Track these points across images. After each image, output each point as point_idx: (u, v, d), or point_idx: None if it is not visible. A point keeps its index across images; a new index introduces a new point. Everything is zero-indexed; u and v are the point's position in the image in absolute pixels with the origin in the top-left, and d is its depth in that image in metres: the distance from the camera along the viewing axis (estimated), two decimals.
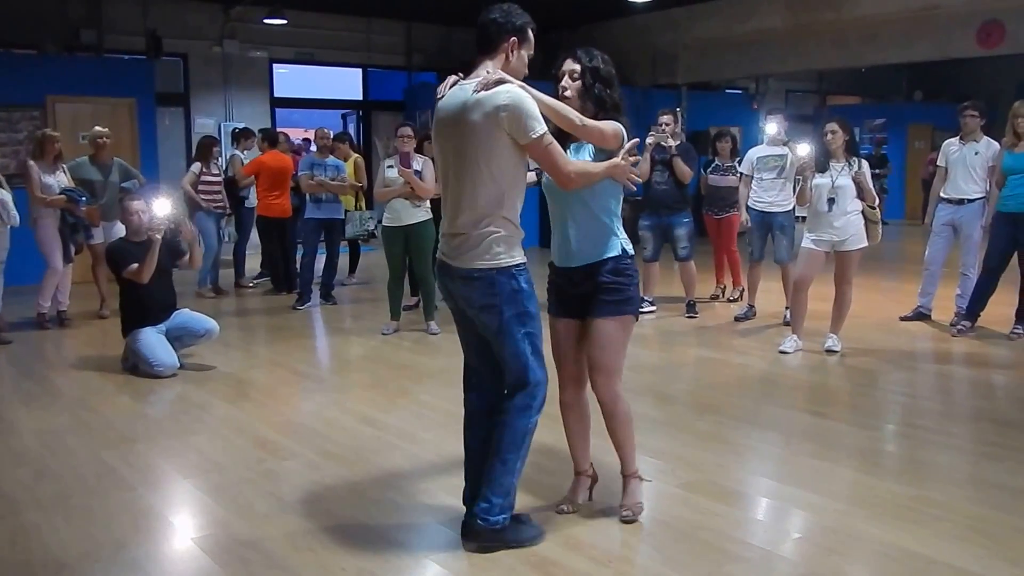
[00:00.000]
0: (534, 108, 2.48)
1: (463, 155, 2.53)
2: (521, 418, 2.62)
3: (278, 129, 9.41)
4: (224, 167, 8.29)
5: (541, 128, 2.48)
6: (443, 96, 2.62)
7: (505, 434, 2.62)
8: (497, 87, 2.47)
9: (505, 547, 2.65)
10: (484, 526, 2.63)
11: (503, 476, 2.62)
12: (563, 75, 2.75)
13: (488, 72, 2.51)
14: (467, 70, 2.64)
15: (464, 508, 2.76)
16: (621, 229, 2.80)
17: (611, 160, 2.66)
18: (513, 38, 2.59)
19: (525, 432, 2.64)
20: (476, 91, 2.47)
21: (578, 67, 2.72)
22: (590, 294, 2.77)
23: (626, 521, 2.85)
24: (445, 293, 2.74)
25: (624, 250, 2.77)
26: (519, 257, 2.60)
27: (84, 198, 6.28)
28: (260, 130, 8.49)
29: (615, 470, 3.15)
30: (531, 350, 2.61)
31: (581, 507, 2.96)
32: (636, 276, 2.83)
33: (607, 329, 2.76)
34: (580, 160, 2.70)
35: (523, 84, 2.55)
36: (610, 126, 2.68)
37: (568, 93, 2.72)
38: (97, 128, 6.78)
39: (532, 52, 2.65)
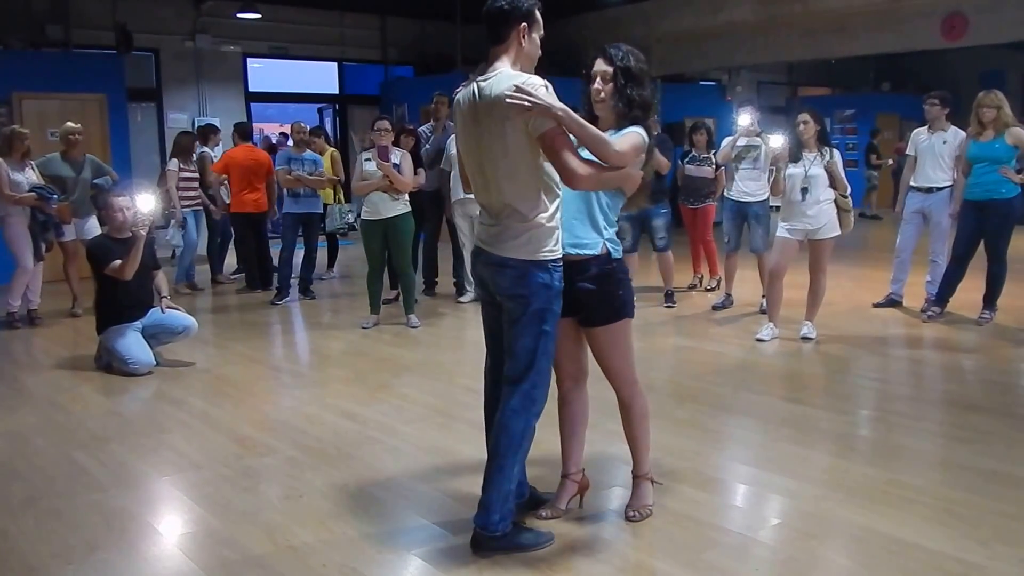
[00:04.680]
0: (550, 102, 2.41)
1: (496, 156, 2.48)
2: (518, 420, 2.56)
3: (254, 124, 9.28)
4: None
5: (552, 123, 2.40)
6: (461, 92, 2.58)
7: (502, 437, 2.56)
8: (515, 79, 2.43)
9: (507, 553, 2.57)
10: (484, 534, 2.57)
11: (501, 482, 2.55)
12: (595, 77, 2.67)
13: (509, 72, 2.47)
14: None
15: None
16: (613, 223, 2.71)
17: (626, 170, 2.57)
18: (523, 24, 2.51)
19: (523, 436, 2.58)
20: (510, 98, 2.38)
21: (610, 68, 2.64)
22: (575, 300, 2.66)
23: (631, 520, 2.80)
24: (477, 280, 2.71)
25: (609, 251, 2.67)
26: (557, 252, 2.54)
27: (55, 195, 6.17)
28: (235, 125, 8.39)
29: (607, 471, 3.17)
30: (542, 350, 2.55)
31: (567, 513, 2.85)
32: (626, 277, 2.73)
33: (604, 337, 2.72)
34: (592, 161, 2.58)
35: (567, 108, 2.44)
36: (631, 142, 2.57)
37: (602, 96, 2.66)
38: (69, 124, 6.66)
39: (543, 33, 2.59)
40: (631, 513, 2.83)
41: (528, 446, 2.64)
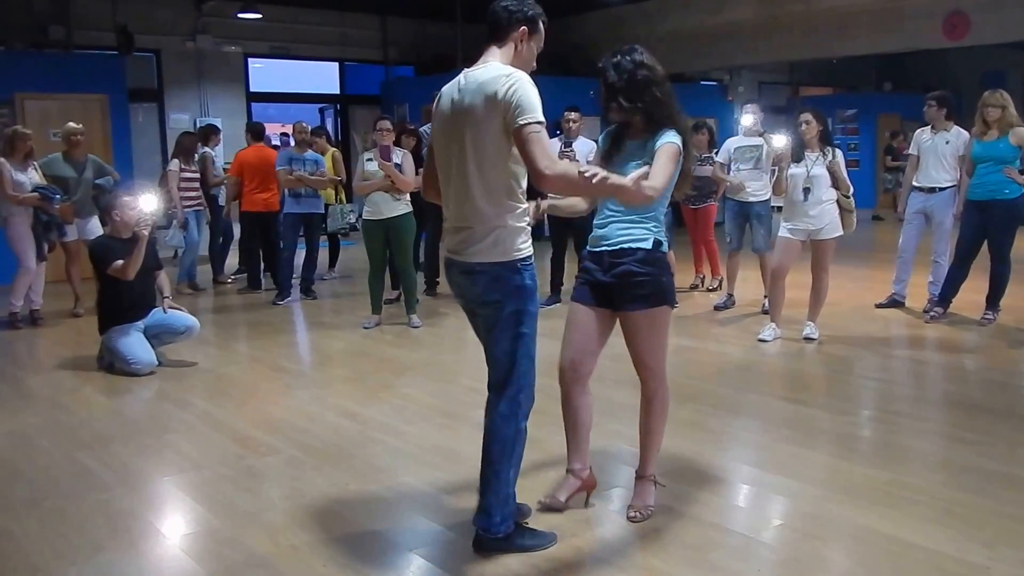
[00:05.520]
0: (533, 98, 2.36)
1: (467, 146, 2.44)
2: (508, 426, 2.55)
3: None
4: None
5: (531, 118, 2.33)
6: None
7: (493, 444, 2.55)
8: (499, 72, 2.41)
9: (510, 553, 2.57)
10: (486, 536, 2.58)
11: (498, 486, 2.55)
12: (603, 99, 2.73)
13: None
14: (471, 62, 2.57)
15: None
16: (660, 224, 2.74)
17: (619, 180, 2.44)
18: (524, 28, 2.50)
19: (514, 440, 2.56)
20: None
21: (604, 89, 2.70)
22: (617, 285, 2.70)
23: (632, 521, 2.79)
24: (455, 291, 2.67)
25: (657, 242, 2.70)
26: (526, 250, 2.51)
27: (58, 196, 6.18)
28: (247, 124, 8.40)
29: (609, 471, 3.18)
30: (523, 351, 2.52)
31: (569, 509, 2.86)
32: (668, 267, 2.77)
33: (643, 323, 2.72)
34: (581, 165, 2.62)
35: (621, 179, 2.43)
36: (666, 155, 2.61)
37: (612, 112, 2.73)
38: (71, 124, 6.67)
39: (542, 45, 2.59)
40: (632, 513, 2.82)
41: (521, 449, 2.62)
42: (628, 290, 2.69)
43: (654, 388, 2.83)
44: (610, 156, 2.77)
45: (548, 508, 2.83)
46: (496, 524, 2.57)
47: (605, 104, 2.73)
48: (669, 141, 2.65)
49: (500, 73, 2.41)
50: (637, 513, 2.82)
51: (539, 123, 2.35)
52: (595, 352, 2.83)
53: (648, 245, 2.68)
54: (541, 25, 2.56)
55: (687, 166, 2.74)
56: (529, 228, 2.55)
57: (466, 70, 2.52)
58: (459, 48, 11.92)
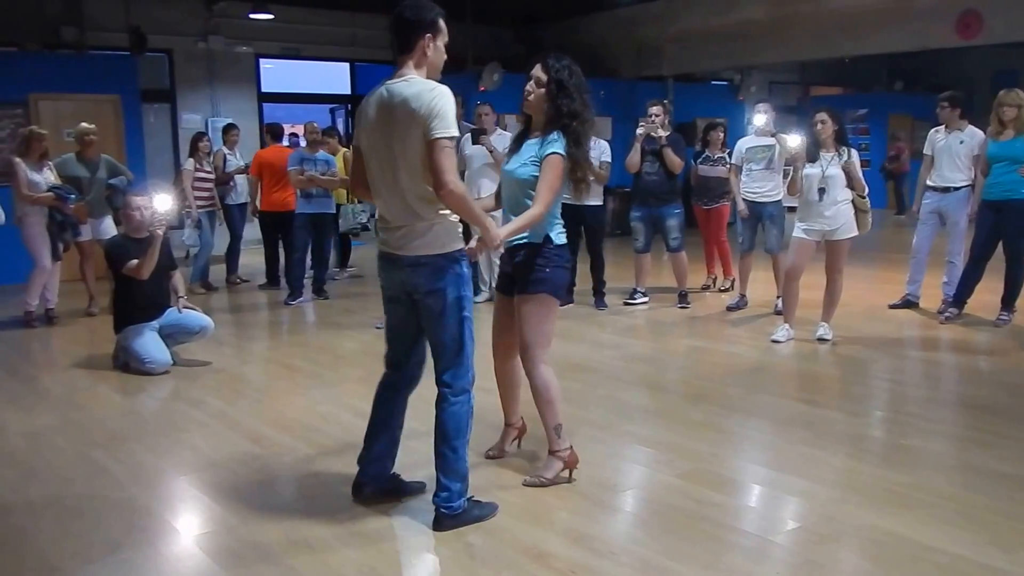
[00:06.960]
0: (450, 114, 2.55)
1: (396, 156, 2.62)
2: (463, 405, 2.77)
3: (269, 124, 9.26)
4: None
5: (443, 132, 2.53)
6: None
7: (450, 422, 2.76)
8: (423, 87, 2.57)
9: (470, 525, 2.76)
10: (448, 513, 2.74)
11: (456, 463, 2.76)
12: (530, 79, 3.00)
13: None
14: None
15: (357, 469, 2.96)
16: (554, 221, 3.03)
17: (489, 225, 2.76)
18: (427, 34, 2.66)
19: (469, 416, 2.80)
20: None
21: (544, 76, 2.96)
22: (514, 275, 3.06)
23: (526, 484, 3.08)
24: (385, 282, 2.85)
25: (548, 237, 3.00)
26: (460, 243, 2.74)
27: (73, 195, 6.21)
28: (266, 125, 8.44)
29: (623, 472, 3.20)
30: (468, 333, 2.76)
31: (509, 454, 3.35)
32: (559, 261, 3.03)
33: (522, 307, 3.03)
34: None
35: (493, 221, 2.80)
36: (550, 174, 2.92)
37: (531, 98, 3.00)
38: (84, 125, 6.70)
39: (447, 40, 2.74)
40: (526, 478, 3.09)
41: (470, 422, 2.82)
42: (519, 277, 3.04)
43: (527, 369, 3.07)
44: (511, 154, 3.11)
45: (494, 457, 3.29)
46: (456, 499, 2.74)
47: (546, 94, 2.95)
48: (554, 152, 2.92)
49: (424, 88, 2.58)
50: (532, 479, 3.07)
51: (451, 138, 2.56)
52: (511, 331, 3.12)
53: (538, 240, 3.00)
54: (442, 23, 2.71)
55: (582, 173, 3.01)
56: (460, 223, 2.73)
57: (387, 82, 2.67)
58: (469, 48, 11.92)
